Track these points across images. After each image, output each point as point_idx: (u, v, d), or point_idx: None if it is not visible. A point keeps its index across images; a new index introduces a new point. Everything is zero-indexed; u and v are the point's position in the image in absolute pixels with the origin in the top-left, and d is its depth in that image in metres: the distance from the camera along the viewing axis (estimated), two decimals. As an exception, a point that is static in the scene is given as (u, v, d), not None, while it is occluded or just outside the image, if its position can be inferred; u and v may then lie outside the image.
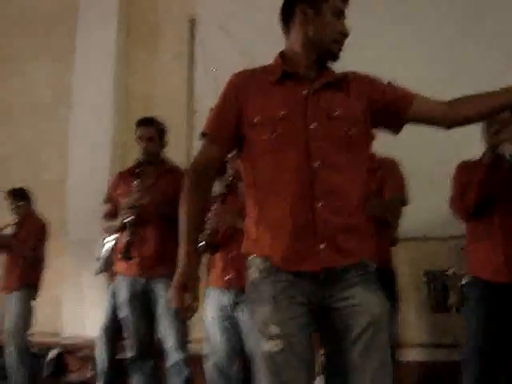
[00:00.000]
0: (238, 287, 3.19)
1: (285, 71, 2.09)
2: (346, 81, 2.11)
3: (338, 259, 1.96)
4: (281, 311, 1.95)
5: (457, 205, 3.38)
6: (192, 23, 6.39)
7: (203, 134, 2.15)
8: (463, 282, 3.60)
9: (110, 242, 4.60)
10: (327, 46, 2.09)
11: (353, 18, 2.16)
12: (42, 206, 5.68)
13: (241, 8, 6.05)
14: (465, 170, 3.42)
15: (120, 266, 3.91)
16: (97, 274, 4.96)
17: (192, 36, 6.38)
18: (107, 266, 4.70)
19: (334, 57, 2.12)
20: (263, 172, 2.05)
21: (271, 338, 1.92)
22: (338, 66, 2.16)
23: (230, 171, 3.25)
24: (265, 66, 2.18)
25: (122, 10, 6.73)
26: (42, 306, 5.44)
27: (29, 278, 5.30)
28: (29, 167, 7.00)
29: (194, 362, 3.80)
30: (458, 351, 3.63)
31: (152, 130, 3.97)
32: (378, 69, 2.22)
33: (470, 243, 3.44)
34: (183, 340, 3.81)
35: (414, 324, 4.84)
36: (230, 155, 2.27)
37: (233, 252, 3.27)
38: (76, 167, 6.48)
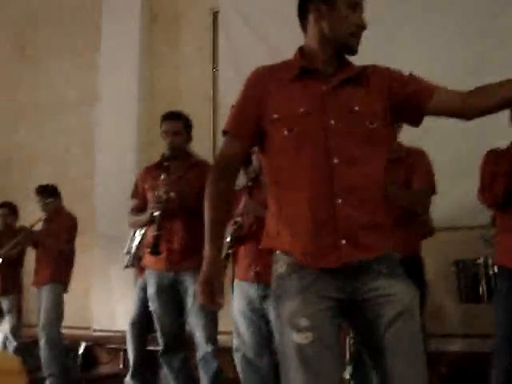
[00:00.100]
0: (266, 280, 3.19)
1: (303, 67, 2.08)
2: (365, 75, 2.10)
3: (359, 254, 1.96)
4: (309, 304, 1.95)
5: (485, 195, 3.35)
6: (215, 15, 6.39)
7: (224, 132, 2.17)
8: (493, 272, 3.57)
9: (138, 236, 4.64)
10: (344, 41, 2.07)
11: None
12: (70, 202, 5.74)
13: (264, -1, 6.03)
14: (493, 158, 3.38)
15: (148, 260, 3.93)
16: (126, 267, 5.01)
17: (215, 28, 6.38)
18: (136, 260, 4.75)
19: (352, 51, 2.10)
20: (283, 168, 2.05)
21: (300, 330, 1.93)
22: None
23: (254, 163, 3.25)
24: (284, 62, 2.17)
25: (145, 4, 6.75)
26: (71, 300, 5.50)
27: (60, 273, 5.37)
28: (56, 164, 7.09)
29: (223, 353, 3.82)
30: (488, 342, 3.60)
31: (178, 124, 3.96)
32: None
33: (498, 233, 3.42)
34: (212, 332, 3.83)
35: (443, 314, 4.82)
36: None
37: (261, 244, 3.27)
38: (102, 163, 6.53)
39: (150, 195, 3.88)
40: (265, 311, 3.39)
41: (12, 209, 5.83)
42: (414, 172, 3.47)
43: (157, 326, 3.93)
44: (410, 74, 2.11)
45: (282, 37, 5.09)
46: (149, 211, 3.80)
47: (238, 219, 3.42)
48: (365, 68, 2.12)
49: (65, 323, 5.42)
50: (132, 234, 4.80)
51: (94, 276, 6.40)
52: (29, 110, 7.39)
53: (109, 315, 6.20)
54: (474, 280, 3.82)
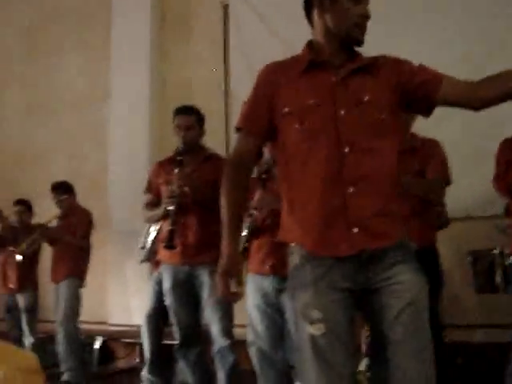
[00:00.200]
0: (282, 273, 3.19)
1: (311, 60, 2.11)
2: (375, 65, 2.11)
3: (372, 242, 1.98)
4: (322, 295, 1.98)
5: (499, 183, 3.34)
6: (225, 8, 6.37)
7: (237, 129, 2.20)
8: (509, 262, 3.55)
9: (153, 231, 4.65)
10: (348, 32, 2.09)
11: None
12: (84, 198, 5.77)
13: (273, -9, 6.01)
14: (508, 147, 3.36)
15: (163, 254, 3.94)
16: (141, 262, 5.02)
17: (226, 22, 6.37)
18: (151, 255, 4.76)
19: (358, 42, 2.12)
20: (295, 161, 2.08)
21: (313, 322, 1.96)
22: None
23: (266, 155, 3.24)
24: (294, 57, 2.20)
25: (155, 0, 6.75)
26: (87, 295, 5.53)
27: (77, 268, 5.41)
28: (69, 159, 7.13)
29: (238, 346, 3.83)
30: (505, 332, 3.59)
31: (191, 119, 3.95)
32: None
33: (512, 222, 3.41)
34: (228, 326, 3.83)
35: (459, 305, 4.80)
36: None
37: (276, 238, 3.27)
38: (116, 158, 6.56)
39: (163, 190, 3.87)
40: (280, 304, 3.39)
41: (27, 206, 5.86)
42: (429, 162, 3.46)
43: (173, 320, 3.94)
44: (420, 65, 2.12)
45: (292, 29, 5.03)
46: (163, 206, 3.80)
47: (253, 212, 3.42)
48: (375, 59, 2.13)
49: (81, 318, 5.47)
50: (147, 228, 4.81)
51: (109, 271, 6.44)
52: (42, 106, 7.42)
53: (124, 309, 6.23)
54: (489, 270, 3.80)
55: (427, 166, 3.46)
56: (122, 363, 5.96)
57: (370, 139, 2.02)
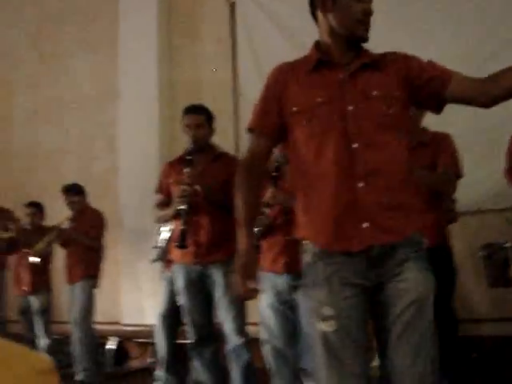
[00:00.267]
0: (294, 271, 3.20)
1: (319, 59, 2.13)
2: (384, 61, 2.13)
3: (383, 237, 1.99)
4: (334, 293, 2.00)
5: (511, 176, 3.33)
6: (232, 7, 6.36)
7: (249, 130, 2.24)
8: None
9: (166, 230, 4.66)
10: (352, 30, 2.10)
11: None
12: (95, 199, 5.78)
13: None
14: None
15: (175, 254, 3.94)
16: (154, 261, 5.03)
17: (233, 20, 6.36)
18: (163, 254, 4.77)
19: (362, 38, 2.14)
20: (306, 158, 2.10)
21: (325, 319, 1.98)
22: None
23: (276, 153, 3.24)
24: (303, 57, 2.23)
25: (162, -1, 6.76)
26: (100, 295, 5.55)
27: (91, 269, 5.43)
28: (79, 160, 7.14)
29: (252, 345, 3.83)
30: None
31: (200, 117, 3.95)
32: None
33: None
34: (242, 324, 3.83)
35: (472, 299, 4.78)
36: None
37: (288, 235, 3.27)
38: (125, 158, 6.56)
39: (174, 190, 3.87)
40: (293, 302, 3.39)
41: (39, 208, 5.88)
42: (439, 156, 3.46)
43: (186, 319, 3.94)
44: (429, 61, 2.13)
45: (300, 25, 5.04)
46: (174, 206, 3.80)
47: (264, 210, 3.42)
48: (383, 55, 2.15)
49: (94, 319, 5.49)
50: (158, 228, 4.82)
51: (121, 271, 6.45)
52: (51, 108, 7.44)
53: (137, 309, 6.24)
54: (502, 264, 3.78)
55: (438, 159, 3.46)
56: (136, 363, 5.98)
57: (379, 134, 2.04)
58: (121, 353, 6.02)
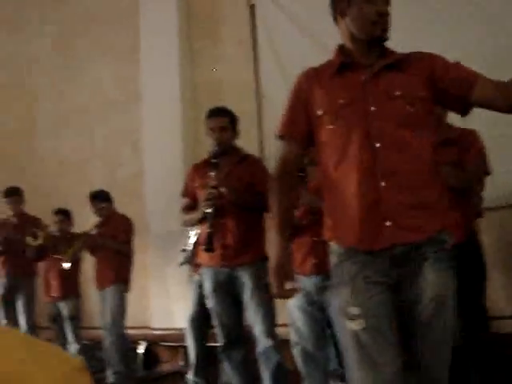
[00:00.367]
0: (325, 271, 3.18)
1: (342, 62, 2.17)
2: (407, 61, 2.15)
3: (405, 236, 2.02)
4: (359, 292, 2.03)
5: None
6: (252, 8, 6.36)
7: (279, 137, 2.29)
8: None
9: (194, 233, 4.66)
10: (367, 32, 2.13)
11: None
12: (121, 204, 5.81)
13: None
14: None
15: (203, 257, 3.93)
16: (181, 265, 5.05)
17: (253, 21, 6.35)
18: (191, 258, 4.78)
19: (380, 38, 2.15)
20: (330, 160, 2.15)
21: (353, 318, 2.01)
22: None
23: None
24: (327, 61, 2.26)
25: (182, 1, 6.77)
26: (129, 300, 5.57)
27: (121, 273, 5.45)
28: (105, 166, 7.19)
29: (281, 346, 3.82)
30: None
31: (224, 120, 3.95)
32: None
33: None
34: (271, 326, 3.82)
35: (502, 295, 4.72)
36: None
37: (316, 236, 3.26)
38: (150, 162, 6.58)
39: (200, 193, 3.87)
40: (322, 303, 3.38)
41: (67, 215, 5.93)
42: (466, 153, 3.43)
43: (216, 322, 3.94)
44: (456, 62, 2.14)
45: (320, 26, 5.01)
46: (201, 209, 3.80)
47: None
48: (408, 54, 2.17)
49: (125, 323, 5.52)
50: (187, 231, 4.82)
51: (149, 275, 6.47)
52: (75, 114, 7.49)
53: (167, 313, 6.26)
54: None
55: (465, 156, 3.42)
56: (166, 367, 6.00)
57: (401, 134, 2.06)
58: (150, 357, 6.05)
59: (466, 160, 3.42)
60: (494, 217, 4.45)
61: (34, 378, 0.54)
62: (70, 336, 5.76)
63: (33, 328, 6.09)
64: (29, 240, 5.80)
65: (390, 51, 2.19)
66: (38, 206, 6.39)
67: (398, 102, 2.07)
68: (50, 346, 0.64)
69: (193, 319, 4.68)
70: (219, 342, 3.97)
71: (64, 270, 5.58)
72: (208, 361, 4.65)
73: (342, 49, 2.23)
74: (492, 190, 3.83)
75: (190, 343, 4.66)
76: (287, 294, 2.22)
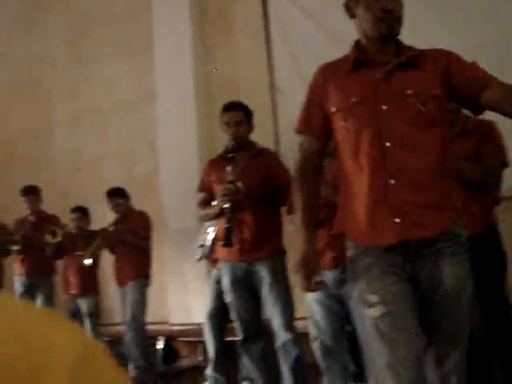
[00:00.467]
0: (341, 265, 3.17)
1: (357, 59, 2.19)
2: (421, 58, 2.16)
3: (416, 232, 2.04)
4: (375, 281, 2.06)
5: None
6: (265, 2, 6.35)
7: (299, 132, 2.33)
8: None
9: (212, 229, 4.66)
10: (376, 29, 2.14)
11: None
12: (138, 201, 5.83)
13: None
14: None
15: (221, 252, 3.95)
16: (198, 260, 5.05)
17: (266, 15, 6.34)
18: (209, 253, 4.78)
19: (389, 35, 2.16)
20: (344, 157, 2.18)
21: (371, 305, 2.04)
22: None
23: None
24: (344, 56, 2.29)
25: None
26: (148, 296, 5.60)
27: (141, 269, 5.49)
28: (121, 164, 7.22)
29: (300, 339, 3.82)
30: None
31: (239, 114, 3.94)
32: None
33: None
34: (290, 320, 3.82)
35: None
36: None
37: (331, 230, 3.25)
38: (166, 159, 6.61)
39: (217, 188, 3.87)
40: (341, 296, 3.37)
41: (84, 212, 5.97)
42: (484, 145, 3.39)
43: (234, 316, 3.95)
44: (472, 62, 2.14)
45: (334, 19, 5.01)
46: (218, 204, 3.80)
47: None
48: (423, 51, 2.18)
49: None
50: (205, 226, 4.82)
51: (168, 271, 6.50)
52: (89, 113, 7.52)
53: (185, 308, 6.29)
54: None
55: (483, 148, 3.38)
56: (186, 362, 6.02)
57: (412, 133, 2.08)
58: (169, 352, 6.07)
59: (484, 151, 3.39)
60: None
61: (59, 345, 0.54)
62: (89, 333, 5.79)
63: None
64: (48, 238, 5.84)
65: (405, 47, 2.20)
66: (56, 205, 6.43)
67: (409, 101, 2.09)
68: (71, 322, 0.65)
69: (211, 314, 4.68)
70: (238, 337, 3.98)
71: (83, 267, 5.62)
72: (227, 356, 4.65)
73: (357, 45, 2.24)
74: (510, 179, 3.81)
75: (208, 338, 4.67)
76: (314, 288, 2.22)
